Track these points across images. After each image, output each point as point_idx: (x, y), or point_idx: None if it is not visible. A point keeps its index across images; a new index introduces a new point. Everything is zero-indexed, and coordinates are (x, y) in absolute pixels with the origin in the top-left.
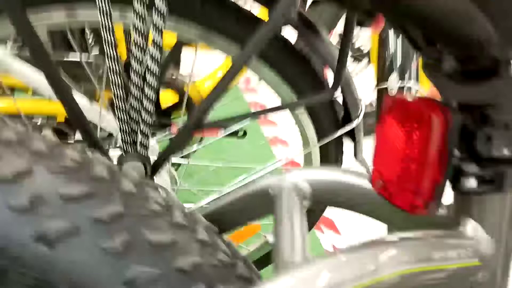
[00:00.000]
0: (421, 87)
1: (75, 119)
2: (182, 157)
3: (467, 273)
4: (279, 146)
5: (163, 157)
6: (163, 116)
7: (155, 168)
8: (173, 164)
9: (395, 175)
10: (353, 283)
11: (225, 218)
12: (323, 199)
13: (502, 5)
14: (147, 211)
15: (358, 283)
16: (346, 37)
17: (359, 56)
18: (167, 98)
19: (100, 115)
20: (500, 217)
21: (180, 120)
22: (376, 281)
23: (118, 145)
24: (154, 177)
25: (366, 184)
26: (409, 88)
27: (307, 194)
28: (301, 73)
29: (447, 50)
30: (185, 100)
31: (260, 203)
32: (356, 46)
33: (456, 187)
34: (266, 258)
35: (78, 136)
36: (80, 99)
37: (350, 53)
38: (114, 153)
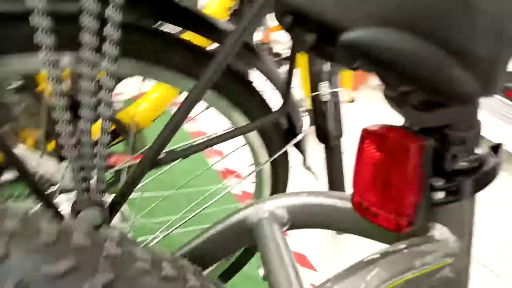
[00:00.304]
0: (345, 90)
1: (19, 168)
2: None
3: (438, 271)
4: (215, 157)
5: (119, 199)
6: None
7: (112, 211)
8: None
9: (378, 199)
10: None
11: (204, 255)
12: (301, 222)
13: (478, 54)
14: (136, 271)
15: None
16: (291, 62)
17: (279, 60)
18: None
19: (37, 160)
20: (462, 219)
21: (116, 148)
22: None
23: (59, 190)
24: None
25: (340, 203)
26: (338, 93)
27: (285, 220)
28: (248, 95)
29: (420, 92)
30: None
31: (239, 236)
32: (275, 51)
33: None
34: (227, 273)
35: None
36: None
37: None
38: (60, 199)
